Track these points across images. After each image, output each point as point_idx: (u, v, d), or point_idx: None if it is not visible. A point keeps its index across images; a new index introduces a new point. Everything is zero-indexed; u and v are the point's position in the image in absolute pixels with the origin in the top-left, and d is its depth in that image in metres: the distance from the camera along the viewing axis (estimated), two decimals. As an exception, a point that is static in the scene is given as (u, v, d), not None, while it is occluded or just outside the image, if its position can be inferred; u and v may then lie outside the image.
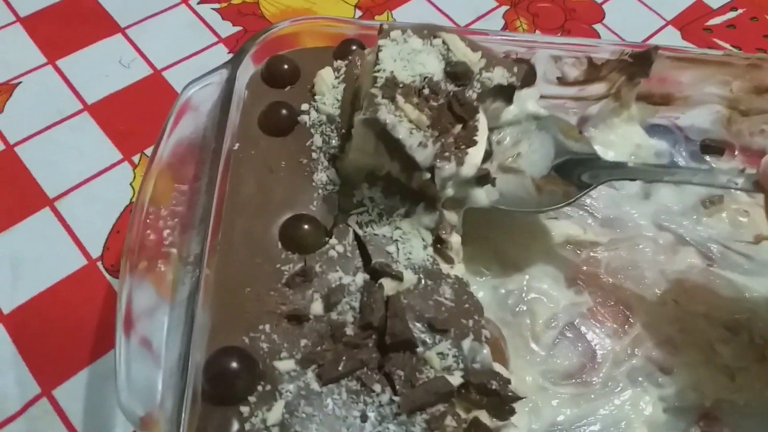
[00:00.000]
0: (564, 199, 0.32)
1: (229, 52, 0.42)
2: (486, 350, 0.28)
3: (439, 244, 0.31)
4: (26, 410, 0.29)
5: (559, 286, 0.34)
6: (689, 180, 0.32)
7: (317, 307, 0.27)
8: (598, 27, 0.48)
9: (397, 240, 0.30)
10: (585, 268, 0.34)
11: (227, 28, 0.43)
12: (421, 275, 0.29)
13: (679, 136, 0.41)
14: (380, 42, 0.31)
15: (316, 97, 0.32)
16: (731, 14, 0.52)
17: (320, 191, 0.30)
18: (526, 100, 0.34)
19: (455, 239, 0.31)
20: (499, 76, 0.31)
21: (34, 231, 0.34)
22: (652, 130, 0.40)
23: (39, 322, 0.31)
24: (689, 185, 0.38)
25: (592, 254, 0.35)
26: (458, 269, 0.31)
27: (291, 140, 0.32)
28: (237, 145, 0.31)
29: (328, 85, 0.32)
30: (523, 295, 0.33)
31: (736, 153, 0.41)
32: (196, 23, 0.43)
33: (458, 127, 0.30)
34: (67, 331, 0.31)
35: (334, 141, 0.32)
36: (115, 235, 0.34)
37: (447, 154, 0.29)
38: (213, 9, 0.44)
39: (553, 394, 0.30)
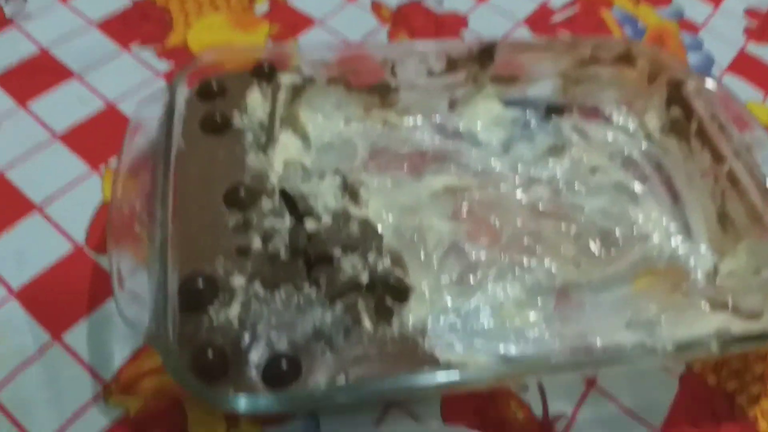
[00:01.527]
0: None
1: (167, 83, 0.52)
2: (387, 259, 0.38)
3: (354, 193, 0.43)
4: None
5: (443, 220, 0.44)
6: None
7: (257, 243, 0.37)
8: (464, 33, 0.60)
9: (316, 194, 0.41)
10: (462, 204, 0.45)
11: (163, 65, 0.54)
12: (334, 218, 0.40)
13: (529, 104, 0.53)
14: None
15: (248, 109, 0.43)
16: (569, 11, 0.65)
17: (250, 165, 0.41)
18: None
19: (363, 190, 0.43)
20: None
21: (29, 229, 0.43)
22: (509, 103, 0.52)
23: (43, 293, 0.40)
24: (540, 139, 0.50)
25: (467, 195, 0.46)
26: (369, 210, 0.42)
27: (227, 136, 0.42)
28: (182, 145, 0.41)
29: (258, 102, 0.44)
30: (416, 229, 0.43)
31: (574, 111, 0.53)
32: (137, 67, 0.53)
33: None
34: (66, 298, 0.40)
35: (262, 139, 0.42)
36: (94, 225, 0.43)
37: None
38: (150, 53, 0.54)
39: (443, 290, 0.40)
